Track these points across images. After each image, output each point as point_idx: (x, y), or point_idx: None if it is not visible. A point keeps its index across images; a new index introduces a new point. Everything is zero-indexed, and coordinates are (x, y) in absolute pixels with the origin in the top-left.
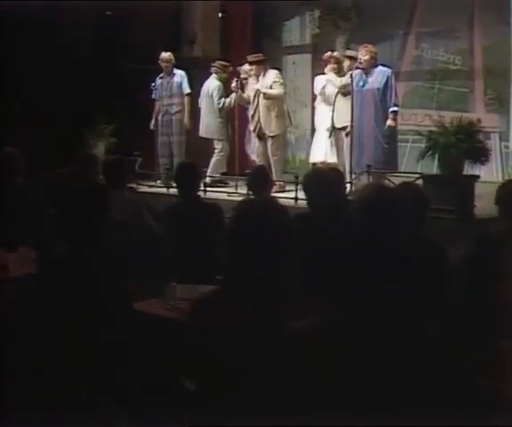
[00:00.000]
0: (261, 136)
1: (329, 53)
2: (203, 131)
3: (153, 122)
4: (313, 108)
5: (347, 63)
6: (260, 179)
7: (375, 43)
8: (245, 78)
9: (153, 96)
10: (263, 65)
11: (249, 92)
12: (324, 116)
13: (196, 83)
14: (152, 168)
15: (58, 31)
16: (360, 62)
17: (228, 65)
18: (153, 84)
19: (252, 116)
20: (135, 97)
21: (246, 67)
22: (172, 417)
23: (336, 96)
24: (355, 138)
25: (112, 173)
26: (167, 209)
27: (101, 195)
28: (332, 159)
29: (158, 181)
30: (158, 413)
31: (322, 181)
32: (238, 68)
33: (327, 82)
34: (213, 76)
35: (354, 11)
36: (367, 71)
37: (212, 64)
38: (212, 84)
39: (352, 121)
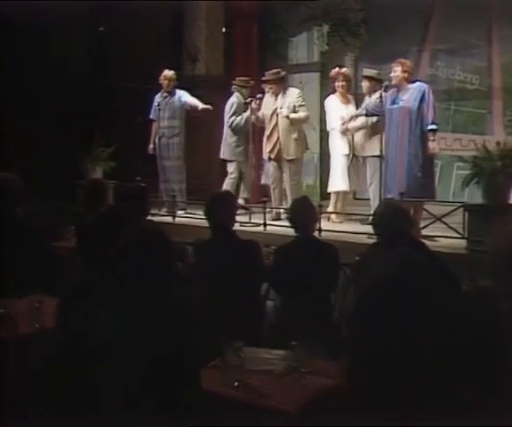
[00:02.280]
0: (278, 160)
1: (336, 70)
2: (220, 151)
3: (151, 146)
4: (321, 131)
5: (366, 84)
6: (305, 212)
7: (386, 61)
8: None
9: (150, 116)
10: (282, 82)
11: (264, 111)
12: (340, 142)
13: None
14: (155, 194)
15: (49, 48)
16: (391, 78)
17: (248, 80)
18: (156, 104)
19: (269, 137)
20: (135, 118)
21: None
22: None
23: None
24: (385, 162)
25: (133, 203)
26: (201, 246)
27: (162, 240)
28: (350, 187)
29: (163, 209)
30: None
31: (401, 215)
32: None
33: (345, 118)
34: (235, 93)
35: (364, 26)
36: (401, 88)
37: (233, 82)
38: (229, 101)
39: (382, 144)
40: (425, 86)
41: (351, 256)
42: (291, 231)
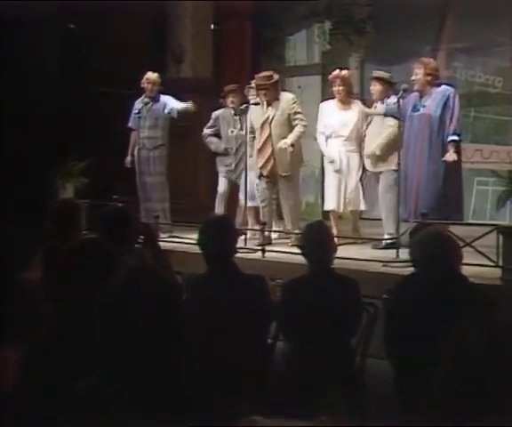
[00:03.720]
0: (271, 176)
1: (336, 72)
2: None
3: (128, 158)
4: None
5: (376, 88)
6: (320, 240)
7: (396, 62)
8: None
9: (129, 124)
10: (276, 88)
11: (253, 121)
12: (327, 150)
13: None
14: (136, 213)
15: (15, 50)
16: (413, 81)
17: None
18: (136, 111)
19: (260, 151)
20: (112, 127)
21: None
22: None
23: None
24: (403, 177)
25: (115, 231)
26: (194, 282)
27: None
28: (340, 207)
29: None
30: None
31: (447, 244)
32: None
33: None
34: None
35: (370, 23)
36: (423, 92)
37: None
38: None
39: (400, 156)
40: (450, 90)
41: (366, 288)
42: (296, 259)
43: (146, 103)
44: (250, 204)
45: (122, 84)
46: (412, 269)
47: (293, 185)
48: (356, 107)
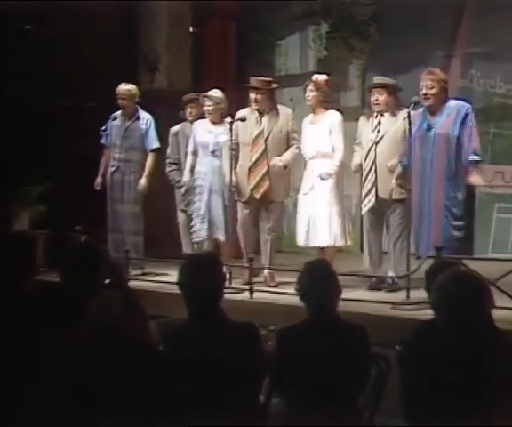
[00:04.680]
0: (261, 201)
1: (315, 77)
2: None
3: (98, 179)
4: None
5: (383, 97)
6: (323, 282)
7: (403, 70)
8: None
9: (102, 141)
10: (272, 97)
11: (241, 135)
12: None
13: (161, 126)
14: (104, 247)
15: None
16: (426, 96)
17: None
18: (103, 128)
19: (252, 169)
20: (74, 146)
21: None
22: None
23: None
24: (418, 206)
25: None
26: (173, 331)
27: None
28: (340, 241)
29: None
30: None
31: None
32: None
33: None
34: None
35: (374, 25)
36: (435, 108)
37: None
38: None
39: (411, 182)
40: (466, 106)
41: (373, 335)
42: (291, 300)
43: (124, 120)
44: (196, 237)
45: (85, 95)
46: (425, 311)
47: (280, 214)
48: (330, 117)
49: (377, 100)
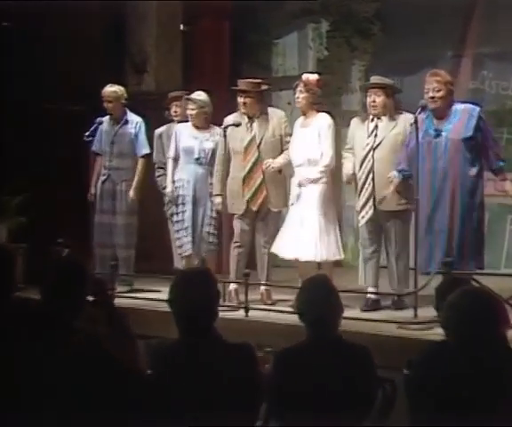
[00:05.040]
0: (258, 213)
1: (305, 77)
2: None
3: (92, 190)
4: None
5: (381, 99)
6: (324, 300)
7: (409, 71)
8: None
9: (93, 148)
10: (262, 98)
11: (231, 143)
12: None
13: (149, 130)
14: (87, 262)
15: None
16: (433, 99)
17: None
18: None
19: (247, 180)
20: (57, 152)
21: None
22: None
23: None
24: (426, 217)
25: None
26: (165, 352)
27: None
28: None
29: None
30: None
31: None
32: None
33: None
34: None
35: (377, 23)
36: (441, 113)
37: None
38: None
39: (417, 191)
40: (477, 109)
41: (378, 356)
42: (289, 319)
43: (112, 125)
44: (181, 252)
45: (69, 98)
46: (434, 331)
47: (277, 226)
48: (319, 121)
49: (374, 101)
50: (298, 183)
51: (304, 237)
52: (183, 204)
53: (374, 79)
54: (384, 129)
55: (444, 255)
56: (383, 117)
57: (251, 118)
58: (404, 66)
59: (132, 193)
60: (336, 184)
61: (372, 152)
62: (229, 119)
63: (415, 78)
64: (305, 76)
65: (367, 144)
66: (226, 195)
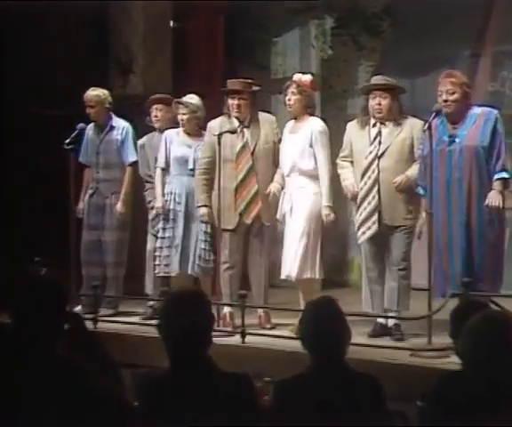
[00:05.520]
0: (252, 227)
1: (297, 77)
2: None
3: (81, 205)
4: None
5: (386, 102)
6: (330, 325)
7: (422, 72)
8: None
9: (80, 159)
10: (254, 101)
11: (222, 148)
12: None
13: (138, 137)
14: (67, 283)
15: None
16: (446, 102)
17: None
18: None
19: (239, 189)
20: (34, 162)
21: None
22: None
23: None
24: (439, 234)
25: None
26: (154, 383)
27: None
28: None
29: (78, 307)
30: None
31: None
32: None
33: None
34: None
35: (387, 19)
36: (455, 118)
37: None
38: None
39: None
40: (494, 112)
41: (388, 386)
42: (291, 345)
43: (97, 132)
44: (163, 271)
45: (46, 102)
46: (450, 359)
47: (269, 241)
48: (310, 126)
49: (379, 104)
50: (289, 195)
51: (288, 252)
52: (174, 219)
53: (378, 79)
54: (389, 135)
55: (460, 276)
56: (387, 123)
57: (242, 123)
58: (417, 66)
59: (119, 206)
60: (337, 196)
61: (376, 161)
62: (215, 124)
63: (428, 80)
64: (297, 77)
65: (370, 152)
66: (212, 208)
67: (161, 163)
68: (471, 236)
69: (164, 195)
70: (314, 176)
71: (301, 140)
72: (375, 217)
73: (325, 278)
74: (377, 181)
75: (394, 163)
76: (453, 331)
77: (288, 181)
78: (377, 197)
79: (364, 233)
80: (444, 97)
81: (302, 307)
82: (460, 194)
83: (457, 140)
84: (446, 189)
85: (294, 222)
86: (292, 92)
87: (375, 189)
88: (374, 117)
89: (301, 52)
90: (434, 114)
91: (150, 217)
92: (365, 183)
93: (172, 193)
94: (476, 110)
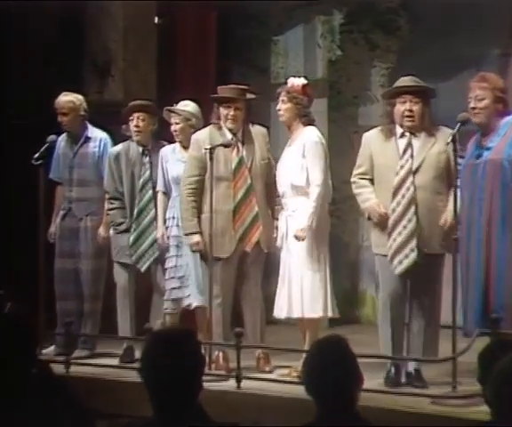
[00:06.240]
0: (254, 252)
1: (291, 82)
2: None
3: (52, 228)
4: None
5: (418, 107)
6: (339, 369)
7: (445, 74)
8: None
9: (50, 176)
10: (249, 110)
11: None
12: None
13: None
14: (36, 320)
15: None
16: (474, 110)
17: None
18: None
19: (237, 212)
20: (4, 177)
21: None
22: None
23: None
24: (463, 263)
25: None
26: None
27: None
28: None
29: (51, 348)
30: None
31: None
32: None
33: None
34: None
35: (405, 15)
36: (488, 127)
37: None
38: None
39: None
40: None
41: None
42: (293, 391)
43: (70, 145)
44: (170, 308)
45: (13, 110)
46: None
47: (262, 267)
48: (303, 137)
49: (410, 111)
50: (294, 235)
51: (286, 289)
52: (177, 246)
53: (408, 81)
54: (422, 148)
55: (487, 311)
56: (419, 132)
57: (235, 135)
58: (438, 68)
59: (102, 230)
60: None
61: (411, 177)
62: (203, 137)
63: (453, 84)
64: (290, 82)
65: (401, 167)
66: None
67: (160, 186)
68: (490, 261)
69: (165, 221)
70: (307, 195)
71: (295, 153)
72: (413, 243)
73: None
74: (413, 199)
75: (430, 180)
76: (482, 375)
77: (284, 202)
78: (414, 220)
79: (400, 262)
80: (471, 104)
81: (306, 347)
82: (479, 219)
83: (485, 153)
84: (467, 209)
85: (291, 250)
86: (282, 101)
87: (411, 209)
88: (402, 126)
89: (306, 53)
90: (459, 125)
91: (124, 243)
92: (398, 203)
93: (174, 218)
94: (510, 119)
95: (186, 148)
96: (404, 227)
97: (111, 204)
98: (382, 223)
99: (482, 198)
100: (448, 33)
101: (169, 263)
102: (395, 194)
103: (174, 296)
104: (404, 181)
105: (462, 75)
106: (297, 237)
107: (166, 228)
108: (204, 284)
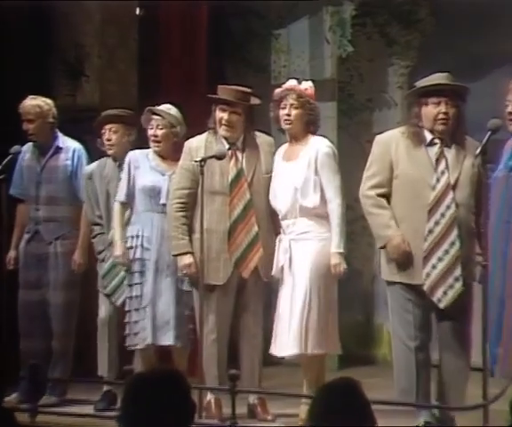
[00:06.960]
0: (253, 279)
1: (289, 84)
2: None
3: (12, 253)
4: None
5: (452, 112)
6: (349, 412)
7: (474, 74)
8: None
9: (11, 192)
10: (252, 115)
11: (204, 180)
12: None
13: (89, 162)
14: None
15: None
16: (510, 115)
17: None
18: None
19: (233, 232)
20: None
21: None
22: None
23: None
24: (491, 286)
25: None
26: None
27: None
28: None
29: (13, 395)
30: None
31: None
32: None
33: None
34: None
35: (426, 6)
36: None
37: None
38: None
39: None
40: None
41: None
42: None
43: (36, 156)
44: (135, 344)
45: None
46: None
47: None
48: (313, 149)
49: (445, 114)
50: (287, 244)
51: (292, 322)
52: (141, 272)
53: (446, 78)
54: (455, 158)
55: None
56: (450, 142)
57: (233, 144)
58: (466, 67)
59: (76, 256)
60: (363, 242)
61: (451, 193)
62: (197, 144)
63: (481, 85)
64: (293, 84)
65: (438, 180)
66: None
67: (121, 195)
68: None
69: (125, 239)
70: (321, 216)
71: (303, 168)
72: (458, 271)
73: (343, 353)
74: (456, 220)
75: (467, 197)
76: None
77: (285, 224)
78: (458, 243)
79: (445, 294)
80: (508, 109)
81: (310, 392)
82: (506, 244)
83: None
84: (494, 230)
85: (296, 281)
86: (292, 105)
87: (454, 231)
88: (433, 131)
89: (312, 49)
90: (489, 133)
91: (101, 272)
92: (437, 223)
93: (138, 237)
94: None
95: (163, 157)
96: (446, 251)
97: (93, 230)
98: (401, 259)
99: (510, 221)
100: (477, 26)
101: (132, 292)
102: (431, 212)
103: (139, 330)
104: (442, 197)
105: (493, 75)
106: (336, 268)
107: (129, 248)
108: (177, 317)
